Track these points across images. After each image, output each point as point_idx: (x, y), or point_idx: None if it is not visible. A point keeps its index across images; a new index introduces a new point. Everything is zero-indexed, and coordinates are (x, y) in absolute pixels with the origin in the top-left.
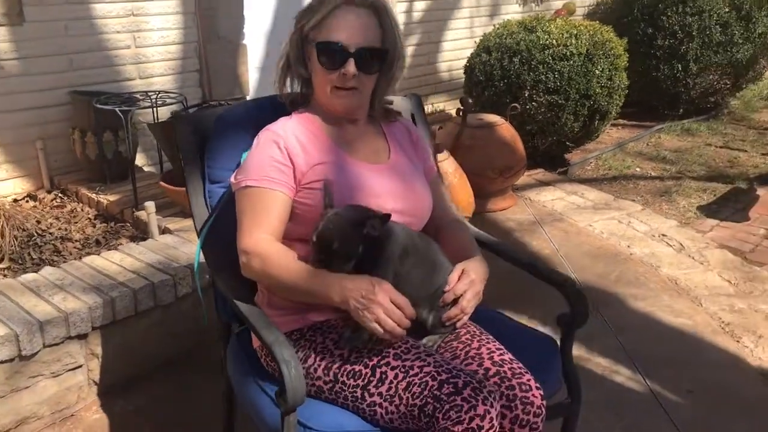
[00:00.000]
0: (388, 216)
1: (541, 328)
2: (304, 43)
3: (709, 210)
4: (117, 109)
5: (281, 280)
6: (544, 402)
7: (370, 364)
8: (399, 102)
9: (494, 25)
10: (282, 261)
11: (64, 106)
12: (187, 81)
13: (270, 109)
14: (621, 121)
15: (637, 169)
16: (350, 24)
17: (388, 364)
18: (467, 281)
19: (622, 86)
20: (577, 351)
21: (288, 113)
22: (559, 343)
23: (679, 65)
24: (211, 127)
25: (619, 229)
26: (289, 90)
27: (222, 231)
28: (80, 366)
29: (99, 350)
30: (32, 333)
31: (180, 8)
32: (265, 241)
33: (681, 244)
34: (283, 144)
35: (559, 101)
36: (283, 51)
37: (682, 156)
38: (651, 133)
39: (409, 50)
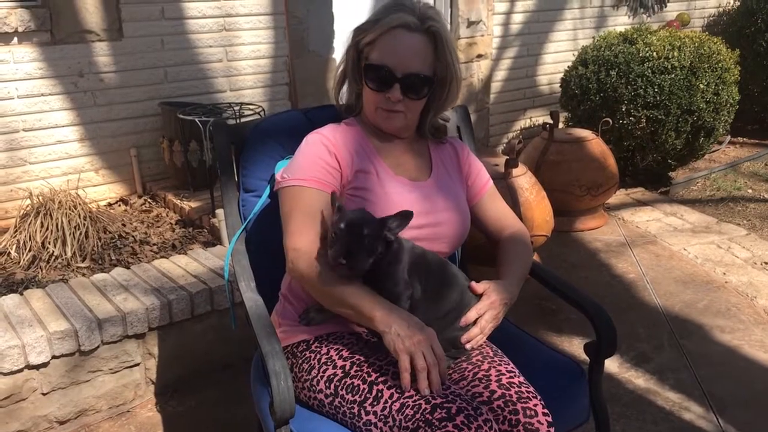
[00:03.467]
0: (409, 213)
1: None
2: (359, 58)
3: None
4: (197, 119)
5: (326, 287)
6: (552, 430)
7: (369, 380)
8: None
9: (593, 37)
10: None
11: (156, 116)
12: (276, 94)
13: (304, 121)
14: (740, 139)
15: (749, 191)
16: (402, 48)
17: (385, 382)
18: (487, 302)
19: (732, 101)
20: (646, 383)
21: (323, 125)
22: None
23: None
24: (247, 137)
25: (717, 255)
26: (344, 97)
27: (250, 239)
28: (137, 364)
29: (156, 350)
30: (91, 330)
31: (271, 23)
32: (315, 244)
33: None
34: (332, 147)
35: (659, 116)
36: (341, 60)
37: None
38: None
39: (506, 63)
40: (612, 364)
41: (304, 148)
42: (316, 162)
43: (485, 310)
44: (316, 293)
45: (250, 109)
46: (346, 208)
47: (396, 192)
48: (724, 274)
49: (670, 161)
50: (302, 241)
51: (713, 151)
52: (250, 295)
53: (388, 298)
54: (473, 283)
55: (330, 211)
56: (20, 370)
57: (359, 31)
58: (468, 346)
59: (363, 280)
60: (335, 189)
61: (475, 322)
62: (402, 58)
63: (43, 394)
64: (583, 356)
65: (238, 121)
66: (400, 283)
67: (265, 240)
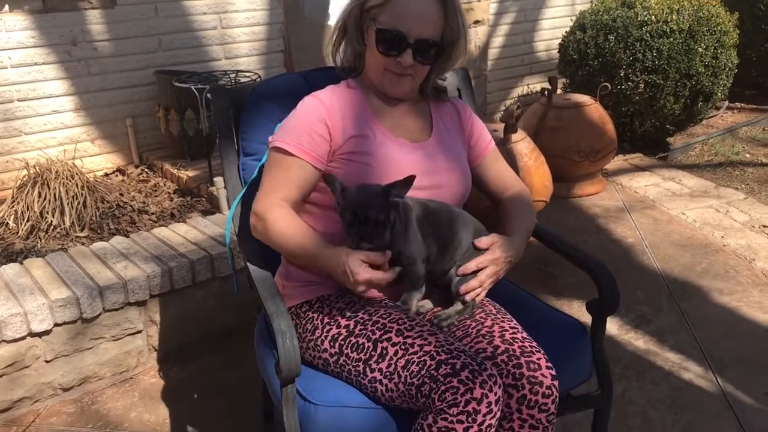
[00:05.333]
0: (412, 178)
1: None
2: (364, 18)
3: None
4: (193, 87)
5: (281, 245)
6: (556, 383)
7: (373, 338)
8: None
9: (591, 2)
10: (283, 225)
11: (151, 85)
12: (271, 61)
13: (303, 84)
14: (738, 104)
15: (747, 156)
16: (414, 13)
17: (389, 339)
18: (491, 257)
19: (730, 65)
20: (646, 344)
21: (321, 87)
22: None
23: None
24: (245, 101)
25: (715, 219)
26: (340, 54)
27: (251, 203)
28: (139, 332)
29: (157, 317)
30: (93, 297)
31: None
32: (276, 207)
33: None
34: (325, 114)
35: (658, 81)
36: (341, 17)
37: None
38: None
39: (504, 29)
40: (612, 327)
41: (298, 110)
42: (304, 128)
43: (486, 264)
44: (279, 250)
45: (246, 77)
46: (347, 187)
47: (396, 154)
48: (723, 237)
49: (668, 126)
50: (264, 204)
51: (711, 117)
52: (253, 258)
53: (403, 263)
54: (477, 240)
55: (307, 179)
56: (23, 338)
57: None
58: (468, 297)
59: None
60: (319, 158)
61: (474, 274)
62: (415, 22)
63: (47, 362)
64: (583, 319)
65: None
66: (415, 246)
67: None
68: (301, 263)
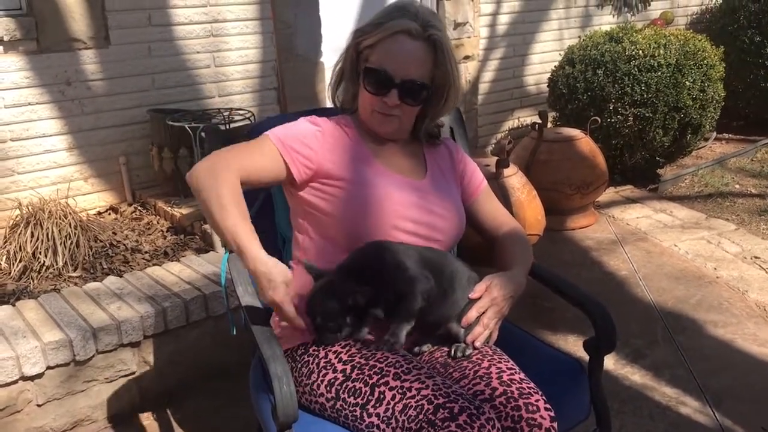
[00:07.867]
0: (375, 290)
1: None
2: (359, 59)
3: None
4: (187, 125)
5: (211, 206)
6: (555, 425)
7: (370, 382)
8: None
9: (579, 37)
10: (226, 192)
11: (145, 123)
12: (265, 99)
13: None
14: (726, 135)
15: (737, 186)
16: (403, 54)
17: (387, 383)
18: (488, 299)
19: (717, 98)
20: (642, 379)
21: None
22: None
23: None
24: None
25: (707, 250)
26: (340, 97)
27: None
28: (133, 373)
29: (151, 358)
30: (86, 339)
31: (258, 28)
32: (230, 172)
33: None
34: (318, 132)
35: (647, 114)
36: (339, 58)
37: None
38: (757, 147)
39: (494, 64)
40: (608, 361)
41: (300, 123)
42: (295, 134)
43: (486, 307)
44: (205, 210)
45: (239, 114)
46: (319, 278)
47: (389, 186)
48: (715, 269)
49: (658, 158)
50: (222, 158)
51: (700, 148)
52: (248, 300)
53: (400, 299)
54: (471, 293)
55: (268, 168)
56: (15, 382)
57: (360, 33)
58: (477, 344)
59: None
60: (292, 158)
61: (478, 320)
62: (401, 63)
63: (39, 406)
64: (579, 353)
65: (228, 126)
66: (412, 282)
67: (261, 244)
68: (217, 233)
